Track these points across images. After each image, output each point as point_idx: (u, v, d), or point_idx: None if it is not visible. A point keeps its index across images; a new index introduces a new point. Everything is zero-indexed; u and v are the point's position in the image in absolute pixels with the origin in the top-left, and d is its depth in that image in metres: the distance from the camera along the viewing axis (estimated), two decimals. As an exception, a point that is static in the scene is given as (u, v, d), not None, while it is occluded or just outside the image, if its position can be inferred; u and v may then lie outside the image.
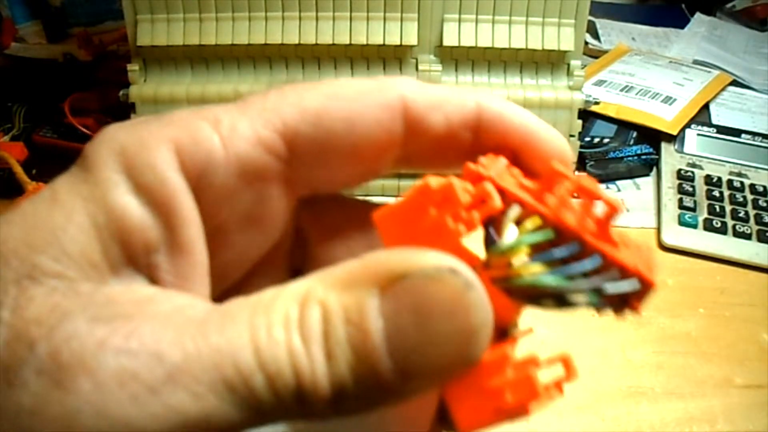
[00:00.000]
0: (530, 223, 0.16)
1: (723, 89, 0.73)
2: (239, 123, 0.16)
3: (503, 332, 0.16)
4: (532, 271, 0.15)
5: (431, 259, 0.14)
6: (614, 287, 0.15)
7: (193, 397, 0.12)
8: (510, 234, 0.16)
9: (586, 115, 0.60)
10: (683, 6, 0.98)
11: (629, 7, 0.99)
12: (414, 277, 0.14)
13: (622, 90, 0.70)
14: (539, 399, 0.14)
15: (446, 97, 0.18)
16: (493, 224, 0.16)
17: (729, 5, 0.97)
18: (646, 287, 0.15)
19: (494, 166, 0.17)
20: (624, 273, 0.15)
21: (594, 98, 0.57)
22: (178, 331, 0.13)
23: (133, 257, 0.15)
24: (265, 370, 0.13)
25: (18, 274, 0.13)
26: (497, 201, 0.15)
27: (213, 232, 0.17)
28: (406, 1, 0.53)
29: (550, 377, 0.15)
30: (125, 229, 0.15)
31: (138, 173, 0.15)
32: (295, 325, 0.13)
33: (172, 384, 0.12)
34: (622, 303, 0.15)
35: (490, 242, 0.16)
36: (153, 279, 0.15)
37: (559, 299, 0.15)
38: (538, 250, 0.15)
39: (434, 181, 0.16)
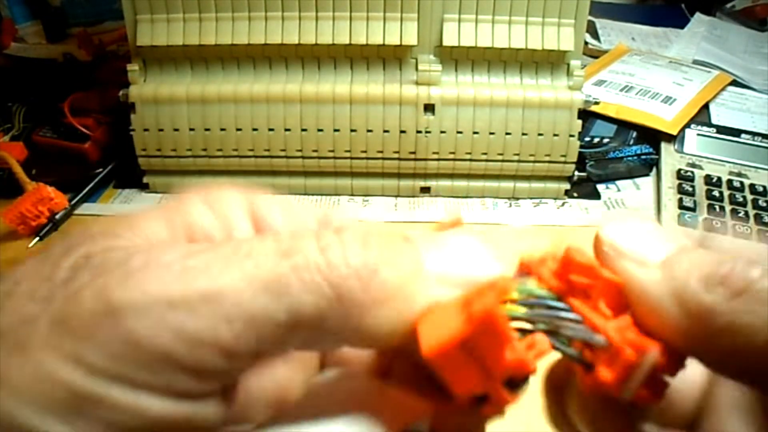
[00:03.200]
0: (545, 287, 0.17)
1: (723, 89, 0.73)
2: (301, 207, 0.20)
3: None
4: (517, 308, 0.16)
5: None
6: (573, 332, 0.16)
7: (212, 275, 0.14)
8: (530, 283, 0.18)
9: (586, 115, 0.60)
10: (683, 6, 0.98)
11: (629, 7, 0.99)
12: None
13: (622, 90, 0.70)
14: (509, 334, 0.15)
15: None
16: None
17: (729, 5, 0.97)
18: (616, 351, 0.16)
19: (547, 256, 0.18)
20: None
21: (594, 98, 0.57)
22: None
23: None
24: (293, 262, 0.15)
25: (94, 238, 0.16)
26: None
27: None
28: (406, 1, 0.53)
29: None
30: (194, 228, 0.17)
31: (217, 203, 0.18)
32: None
33: (195, 265, 0.15)
34: (585, 362, 0.16)
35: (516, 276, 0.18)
36: None
37: (526, 326, 0.16)
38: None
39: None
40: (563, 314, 0.17)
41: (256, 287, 0.14)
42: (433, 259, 0.16)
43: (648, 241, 0.17)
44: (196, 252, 0.15)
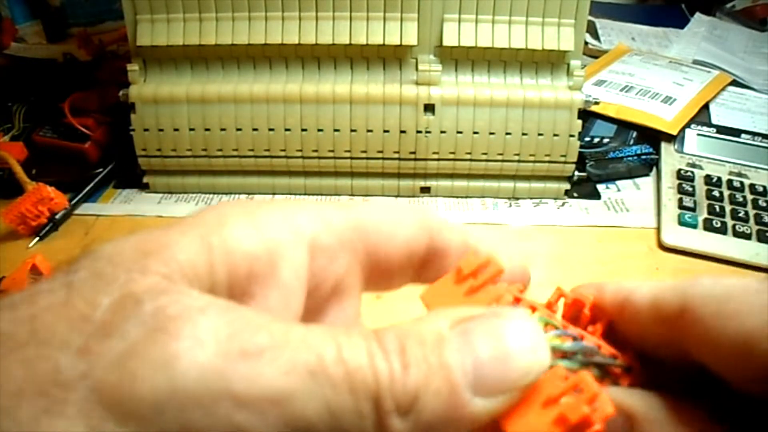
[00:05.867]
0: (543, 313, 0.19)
1: (723, 89, 0.73)
2: (335, 211, 0.19)
3: None
4: (557, 341, 0.18)
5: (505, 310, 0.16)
6: (602, 359, 0.18)
7: (280, 374, 0.13)
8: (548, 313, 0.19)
9: (586, 115, 0.60)
10: (683, 6, 0.98)
11: (629, 7, 0.99)
12: (486, 314, 0.16)
13: (622, 90, 0.70)
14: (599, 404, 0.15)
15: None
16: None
17: (729, 5, 0.97)
18: (631, 368, 0.19)
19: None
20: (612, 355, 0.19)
21: (594, 98, 0.57)
22: (269, 320, 0.14)
23: (234, 282, 0.16)
24: (345, 365, 0.14)
25: (129, 270, 0.14)
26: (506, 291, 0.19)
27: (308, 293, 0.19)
28: (406, 1, 0.53)
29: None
30: (235, 254, 0.16)
31: (262, 220, 0.17)
32: (373, 337, 0.14)
33: (262, 357, 0.13)
34: (612, 375, 0.19)
35: None
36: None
37: (568, 359, 0.18)
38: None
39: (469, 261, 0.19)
40: (587, 344, 0.18)
41: (319, 404, 0.13)
42: (475, 369, 0.15)
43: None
44: (268, 344, 0.14)
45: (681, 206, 0.57)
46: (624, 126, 0.65)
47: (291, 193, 0.58)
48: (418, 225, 0.21)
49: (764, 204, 0.57)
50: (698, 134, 0.65)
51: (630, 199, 0.60)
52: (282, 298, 0.17)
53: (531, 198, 0.59)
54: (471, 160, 0.57)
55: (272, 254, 0.17)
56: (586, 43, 0.82)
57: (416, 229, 0.21)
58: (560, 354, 0.17)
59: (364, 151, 0.56)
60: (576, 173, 0.58)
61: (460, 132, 0.56)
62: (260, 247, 0.17)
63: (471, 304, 0.18)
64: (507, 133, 0.56)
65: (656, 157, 0.63)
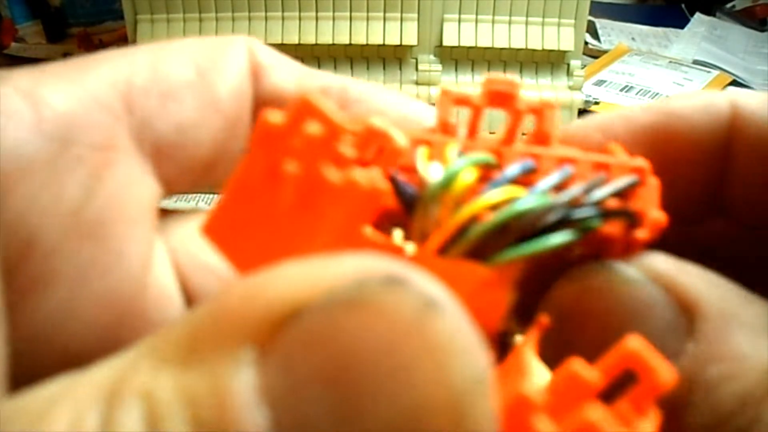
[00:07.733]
0: (450, 150, 0.10)
1: (723, 89, 0.73)
2: (49, 80, 0.10)
3: (500, 344, 0.10)
4: (493, 202, 0.10)
5: (343, 266, 0.08)
6: (613, 187, 0.11)
7: None
8: (434, 170, 0.10)
9: (586, 115, 0.60)
10: (683, 6, 0.98)
11: (629, 7, 0.99)
12: (317, 309, 0.07)
13: (622, 90, 0.70)
14: None
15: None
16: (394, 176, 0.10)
17: (729, 5, 0.97)
18: (645, 182, 0.11)
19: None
20: (609, 173, 0.11)
21: (594, 98, 0.57)
22: None
23: None
24: None
25: None
26: (399, 138, 0.10)
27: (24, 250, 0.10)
28: (406, 1, 0.53)
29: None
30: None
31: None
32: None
33: None
34: (628, 215, 0.11)
35: (406, 196, 0.10)
36: None
37: (554, 227, 0.10)
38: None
39: (272, 120, 0.09)
40: (558, 177, 0.10)
41: None
42: None
43: None
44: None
45: (681, 206, 0.57)
46: (624, 126, 0.65)
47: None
48: (235, 65, 0.12)
49: (764, 204, 0.57)
50: (698, 134, 0.65)
51: (630, 199, 0.60)
52: None
53: (531, 198, 0.59)
54: (471, 160, 0.57)
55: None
56: (586, 43, 0.82)
57: (234, 73, 0.12)
58: (537, 215, 0.10)
59: (364, 151, 0.56)
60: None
61: (460, 132, 0.56)
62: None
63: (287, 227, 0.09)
64: (507, 133, 0.56)
65: (656, 157, 0.63)
